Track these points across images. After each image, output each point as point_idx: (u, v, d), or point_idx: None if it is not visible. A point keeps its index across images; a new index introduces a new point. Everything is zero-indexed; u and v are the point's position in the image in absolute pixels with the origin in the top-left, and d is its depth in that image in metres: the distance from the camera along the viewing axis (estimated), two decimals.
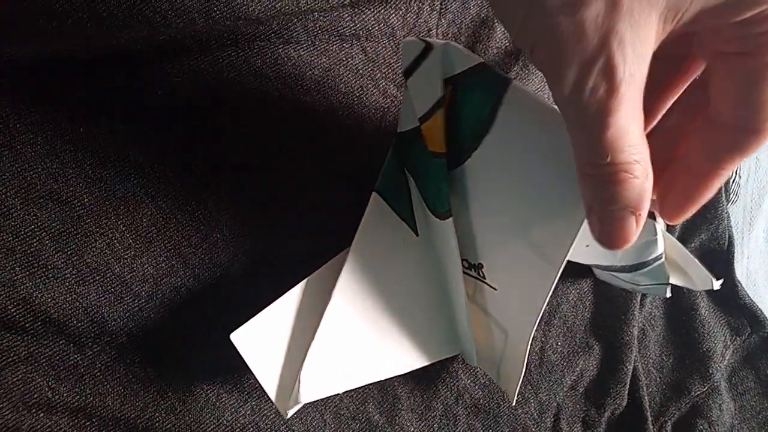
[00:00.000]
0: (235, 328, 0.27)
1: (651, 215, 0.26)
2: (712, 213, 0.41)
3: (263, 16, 0.32)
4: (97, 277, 0.28)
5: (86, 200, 0.28)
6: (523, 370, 0.30)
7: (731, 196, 0.43)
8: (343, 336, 0.30)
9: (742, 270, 0.46)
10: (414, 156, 0.31)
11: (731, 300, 0.44)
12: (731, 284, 0.43)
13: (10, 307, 0.26)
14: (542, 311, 0.27)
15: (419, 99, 0.28)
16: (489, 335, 0.31)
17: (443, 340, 0.33)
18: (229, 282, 0.30)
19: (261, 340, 0.28)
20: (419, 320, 0.32)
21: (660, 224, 0.31)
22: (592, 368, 0.39)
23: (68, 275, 0.27)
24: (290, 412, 0.28)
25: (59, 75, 0.28)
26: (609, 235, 0.21)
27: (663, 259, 0.31)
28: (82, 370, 0.27)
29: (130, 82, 0.29)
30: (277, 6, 0.32)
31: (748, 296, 0.44)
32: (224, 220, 0.30)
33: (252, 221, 0.31)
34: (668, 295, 0.36)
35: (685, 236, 0.42)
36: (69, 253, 0.27)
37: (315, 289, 0.30)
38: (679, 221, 0.24)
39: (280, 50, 0.32)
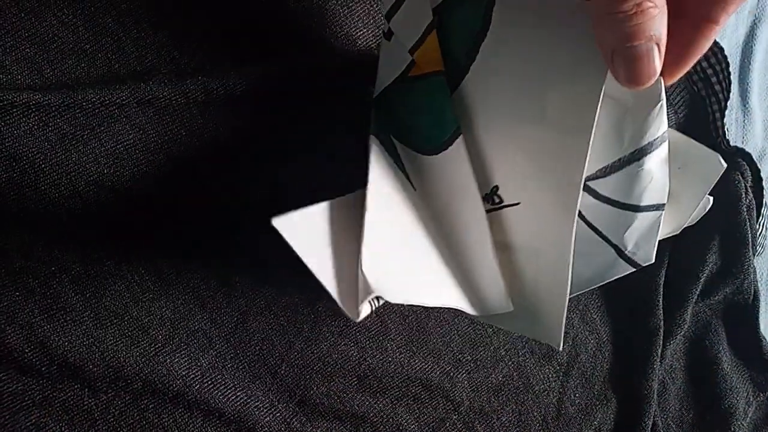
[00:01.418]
0: (253, 379, 0.27)
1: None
2: (738, 267, 0.40)
3: (290, 60, 0.32)
4: (115, 320, 0.27)
5: (107, 243, 0.28)
6: (567, 290, 0.26)
7: (758, 248, 0.42)
8: (390, 243, 0.27)
9: (766, 324, 0.45)
10: (403, 105, 0.29)
11: (755, 355, 0.43)
12: (756, 339, 0.42)
13: (27, 351, 0.26)
14: (581, 190, 0.25)
15: (407, 33, 0.28)
16: (520, 274, 0.28)
17: (464, 290, 0.29)
18: (245, 326, 0.30)
19: (307, 231, 0.25)
20: (441, 260, 0.29)
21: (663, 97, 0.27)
22: (609, 422, 0.38)
23: (86, 318, 0.27)
24: (362, 312, 0.24)
25: (86, 116, 0.28)
26: (637, 72, 0.22)
27: (667, 140, 0.28)
28: (96, 415, 0.27)
29: (155, 122, 0.29)
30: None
31: None
32: (242, 264, 0.30)
33: (269, 266, 0.30)
34: (652, 258, 0.29)
35: (709, 289, 0.41)
36: (88, 295, 0.27)
37: (345, 207, 0.27)
38: (674, 78, 0.24)
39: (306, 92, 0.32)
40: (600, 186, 0.28)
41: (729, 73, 0.41)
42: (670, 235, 0.33)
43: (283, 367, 0.30)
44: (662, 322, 0.39)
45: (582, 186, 0.25)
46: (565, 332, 0.38)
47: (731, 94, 0.41)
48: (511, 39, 0.25)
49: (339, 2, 0.32)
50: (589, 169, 0.27)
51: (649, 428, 0.38)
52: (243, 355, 0.30)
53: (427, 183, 0.29)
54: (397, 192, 0.28)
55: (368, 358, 0.32)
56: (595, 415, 0.37)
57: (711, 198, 0.32)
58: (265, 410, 0.30)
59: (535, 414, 0.36)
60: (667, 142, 0.26)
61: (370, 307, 0.25)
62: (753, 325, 0.42)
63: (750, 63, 0.48)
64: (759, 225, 0.42)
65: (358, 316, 0.24)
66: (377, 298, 0.25)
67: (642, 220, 0.27)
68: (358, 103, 0.32)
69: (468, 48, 0.26)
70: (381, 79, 0.30)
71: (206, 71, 0.30)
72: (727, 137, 0.41)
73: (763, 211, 0.42)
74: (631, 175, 0.27)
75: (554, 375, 0.37)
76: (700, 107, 0.41)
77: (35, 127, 0.27)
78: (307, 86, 0.32)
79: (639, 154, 0.26)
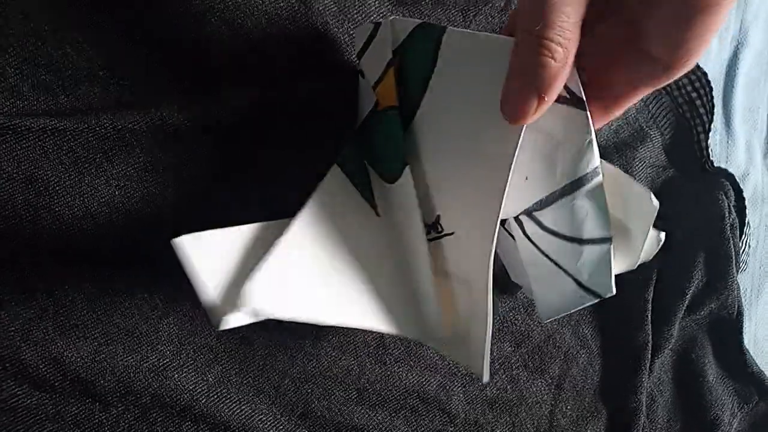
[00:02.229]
0: (257, 393, 0.28)
1: (582, 107, 0.25)
2: (722, 283, 0.42)
3: (294, 84, 0.33)
4: (125, 337, 0.29)
5: (118, 262, 0.29)
6: (489, 321, 0.26)
7: (741, 265, 0.44)
8: (296, 265, 0.27)
9: (749, 337, 0.46)
10: (372, 135, 0.31)
11: (739, 368, 0.44)
12: (740, 352, 0.44)
13: (41, 366, 0.27)
14: (498, 217, 0.25)
15: (371, 70, 0.30)
16: (454, 302, 0.28)
17: (402, 314, 0.29)
18: (249, 343, 0.31)
19: (207, 253, 0.25)
20: (376, 285, 0.29)
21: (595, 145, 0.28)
22: None
23: (97, 335, 0.28)
24: (226, 321, 0.24)
25: (99, 140, 0.29)
26: (511, 105, 0.23)
27: (601, 177, 0.28)
28: (107, 428, 0.28)
29: (165, 147, 0.30)
30: (307, 73, 0.34)
31: (756, 364, 0.44)
32: None
33: None
34: (612, 290, 0.29)
35: (695, 305, 0.43)
36: (99, 313, 0.28)
37: (263, 233, 0.27)
38: (604, 121, 0.26)
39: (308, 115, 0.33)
40: (543, 217, 0.29)
41: (713, 97, 0.42)
42: (628, 270, 0.34)
43: (286, 382, 0.31)
44: (650, 337, 0.40)
45: (498, 220, 0.25)
46: (557, 347, 0.39)
47: (715, 117, 0.43)
48: (453, 77, 0.27)
49: (341, 30, 0.34)
50: (528, 200, 0.29)
51: None
52: (247, 370, 0.31)
53: (389, 210, 0.30)
54: (335, 219, 0.29)
55: (367, 372, 0.33)
56: (586, 427, 0.39)
57: (663, 234, 0.34)
58: (269, 423, 0.31)
59: (528, 426, 0.37)
60: (600, 177, 0.27)
61: (238, 321, 0.24)
62: (737, 339, 0.44)
63: (733, 86, 0.50)
64: (742, 243, 0.44)
65: (218, 325, 0.24)
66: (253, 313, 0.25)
67: (589, 252, 0.28)
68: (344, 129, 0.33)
69: (420, 84, 0.28)
70: (360, 112, 0.33)
71: (212, 98, 0.31)
72: (711, 158, 0.43)
73: (746, 230, 0.44)
74: (567, 208, 0.28)
75: (546, 388, 0.38)
76: (685, 129, 0.43)
77: (50, 150, 0.28)
78: (306, 112, 0.33)
79: (571, 188, 0.27)
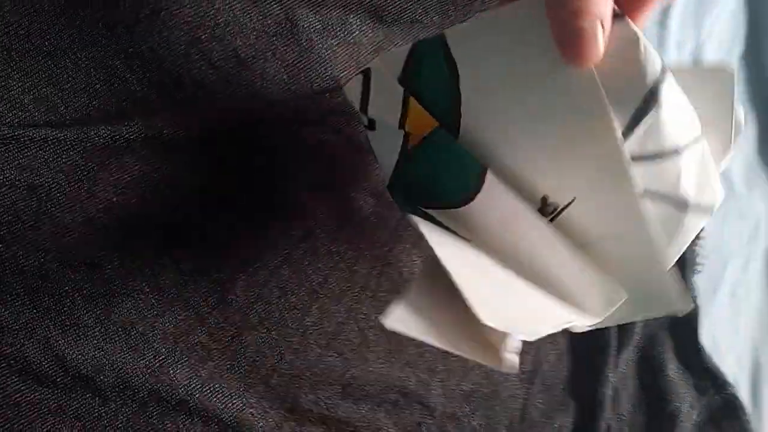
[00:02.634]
0: (248, 388, 0.30)
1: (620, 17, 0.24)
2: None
3: (280, 99, 0.36)
4: (123, 335, 0.30)
5: (116, 264, 0.31)
6: (662, 249, 0.24)
7: (696, 267, 0.47)
8: (485, 290, 0.25)
9: (708, 335, 0.49)
10: (417, 181, 0.29)
11: (697, 363, 0.47)
12: (697, 348, 0.47)
13: (44, 363, 0.28)
14: (622, 149, 0.23)
15: (388, 113, 0.28)
16: (612, 269, 0.26)
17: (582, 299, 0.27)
18: (240, 340, 0.33)
19: (415, 316, 0.24)
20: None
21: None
22: (568, 425, 0.42)
23: (97, 333, 0.30)
24: (510, 361, 0.25)
25: (97, 149, 0.31)
26: (579, 46, 0.22)
27: (669, 77, 0.25)
28: (106, 422, 0.29)
29: (158, 156, 0.32)
30: (292, 88, 0.36)
31: (712, 360, 0.47)
32: (239, 284, 0.33)
33: (264, 284, 0.34)
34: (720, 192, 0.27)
35: None
36: (98, 312, 0.30)
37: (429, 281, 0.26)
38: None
39: (294, 128, 0.36)
40: (630, 147, 0.26)
41: None
42: (725, 162, 0.30)
43: (275, 377, 0.33)
44: (615, 335, 0.43)
45: (624, 150, 0.24)
46: (529, 344, 0.42)
47: None
48: (484, 68, 0.26)
49: (324, 46, 0.36)
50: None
51: (603, 430, 0.41)
52: (238, 366, 0.33)
53: (476, 231, 0.28)
54: (460, 247, 0.27)
55: (351, 368, 0.35)
56: (555, 419, 0.41)
57: (740, 108, 0.30)
58: (258, 416, 0.32)
59: (502, 418, 0.40)
60: (670, 79, 0.25)
61: (514, 355, 0.25)
62: (694, 337, 0.47)
63: None
64: (697, 247, 0.47)
65: (504, 365, 0.24)
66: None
67: (688, 158, 0.26)
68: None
69: (448, 96, 0.27)
70: (385, 168, 0.30)
71: (205, 110, 0.33)
72: None
73: (701, 233, 0.47)
74: (652, 125, 0.25)
75: (519, 383, 0.41)
76: None
77: (51, 159, 0.30)
78: (291, 126, 0.35)
79: (648, 103, 0.25)
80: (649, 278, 0.25)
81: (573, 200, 0.26)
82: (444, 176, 0.28)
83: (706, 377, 0.47)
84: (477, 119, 0.27)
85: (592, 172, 0.25)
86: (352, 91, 0.30)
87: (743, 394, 0.52)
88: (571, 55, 0.23)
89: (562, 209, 0.26)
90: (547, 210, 0.26)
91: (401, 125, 0.28)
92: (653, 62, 0.24)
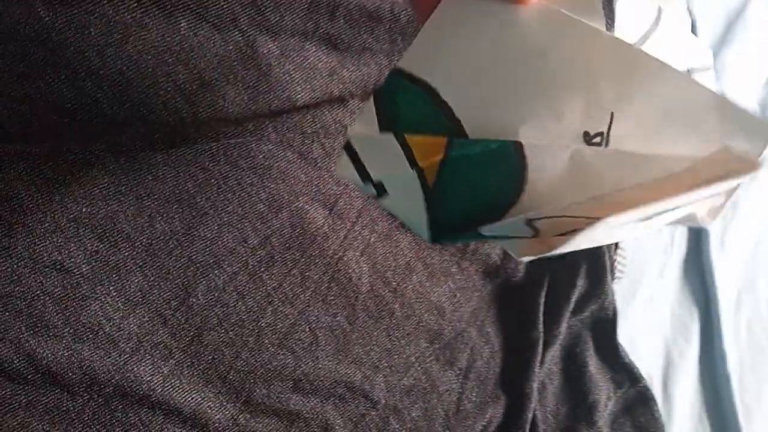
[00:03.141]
0: (206, 383, 0.33)
1: None
2: (600, 289, 0.50)
3: (240, 117, 0.39)
4: (91, 335, 0.33)
5: (84, 269, 0.33)
6: None
7: (616, 274, 0.53)
8: None
9: (627, 334, 0.55)
10: (452, 210, 0.27)
11: (614, 359, 0.53)
12: (614, 346, 0.52)
13: (16, 361, 0.31)
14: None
15: (392, 163, 0.27)
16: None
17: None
18: (200, 340, 0.36)
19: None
20: None
21: None
22: (499, 415, 0.46)
23: (66, 334, 0.32)
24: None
25: (68, 163, 0.33)
26: None
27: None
28: (73, 415, 0.32)
29: (127, 170, 0.35)
30: (252, 108, 0.39)
31: (628, 356, 0.53)
32: (200, 288, 0.36)
33: (223, 289, 0.37)
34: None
35: (579, 307, 0.51)
36: (68, 314, 0.32)
37: None
38: None
39: (252, 145, 0.39)
40: None
41: None
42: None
43: (231, 374, 0.36)
44: (542, 334, 0.48)
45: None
46: (465, 343, 0.46)
47: None
48: (457, 68, 0.26)
49: (282, 71, 0.39)
50: None
51: (530, 420, 0.46)
52: (198, 363, 0.36)
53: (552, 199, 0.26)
54: None
55: (302, 365, 0.39)
56: (487, 410, 0.46)
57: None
58: (216, 409, 0.35)
59: (439, 410, 0.44)
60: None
61: None
62: (613, 336, 0.52)
63: None
64: (616, 255, 0.53)
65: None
66: None
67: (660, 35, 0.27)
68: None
69: (439, 114, 0.26)
70: (420, 230, 0.29)
71: (171, 127, 0.36)
72: None
73: (621, 245, 0.52)
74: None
75: (455, 378, 0.45)
76: None
77: (24, 173, 0.32)
78: (250, 143, 0.38)
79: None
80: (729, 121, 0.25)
81: (612, 116, 0.25)
82: (484, 179, 0.27)
83: (623, 372, 0.53)
84: (477, 113, 0.26)
85: (610, 76, 0.25)
86: (346, 170, 0.28)
87: (656, 386, 0.58)
88: None
89: (609, 132, 0.25)
90: (596, 142, 0.26)
91: (413, 165, 0.27)
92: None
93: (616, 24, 0.26)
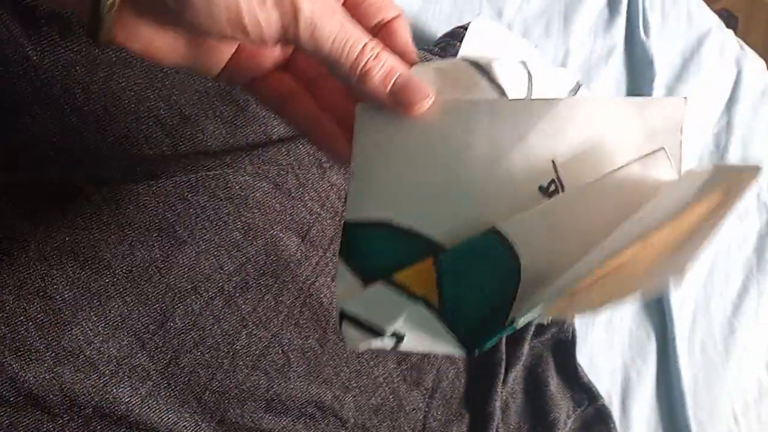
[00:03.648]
0: (182, 404, 0.35)
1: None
2: None
3: (218, 150, 0.41)
4: (71, 359, 0.34)
5: (66, 296, 0.35)
6: None
7: None
8: None
9: (586, 355, 0.58)
10: (469, 318, 0.27)
11: (574, 379, 0.55)
12: (574, 366, 0.55)
13: None
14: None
15: (392, 308, 0.26)
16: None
17: None
18: (177, 362, 0.38)
19: None
20: None
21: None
22: None
23: (48, 357, 0.34)
24: None
25: (51, 195, 0.35)
26: (413, 95, 0.26)
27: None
28: None
29: (109, 200, 0.37)
30: (230, 142, 0.41)
31: (587, 376, 0.56)
32: (178, 313, 0.38)
33: (200, 313, 0.38)
34: None
35: (541, 329, 0.54)
36: (49, 339, 0.34)
37: None
38: None
39: (230, 176, 0.41)
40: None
41: None
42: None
43: (207, 394, 0.38)
44: (504, 355, 0.51)
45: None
46: (431, 364, 0.49)
47: None
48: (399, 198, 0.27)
49: (259, 106, 0.42)
50: None
51: None
52: (174, 385, 0.37)
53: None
54: None
55: (275, 386, 0.40)
56: (452, 428, 0.48)
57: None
58: (191, 429, 0.37)
59: (406, 428, 0.46)
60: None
61: None
62: (572, 356, 0.55)
63: None
64: None
65: None
66: None
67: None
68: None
69: (408, 240, 0.27)
70: (454, 350, 0.28)
71: (151, 161, 0.38)
72: None
73: None
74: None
75: (421, 397, 0.47)
76: None
77: (10, 203, 0.34)
78: (227, 174, 0.41)
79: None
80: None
81: (553, 163, 0.27)
82: (482, 273, 0.26)
83: (582, 391, 0.56)
84: (440, 223, 0.27)
85: (532, 131, 0.27)
86: (355, 339, 0.27)
87: (615, 404, 0.61)
88: (406, 105, 0.26)
89: (559, 177, 0.27)
90: (553, 190, 0.27)
91: (414, 298, 0.26)
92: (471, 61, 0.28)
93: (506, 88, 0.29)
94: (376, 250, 0.27)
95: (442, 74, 0.28)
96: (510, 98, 0.28)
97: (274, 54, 0.29)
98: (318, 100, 0.30)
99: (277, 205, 0.43)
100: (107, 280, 0.36)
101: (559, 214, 0.26)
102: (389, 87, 0.25)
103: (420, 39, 0.52)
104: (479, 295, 0.26)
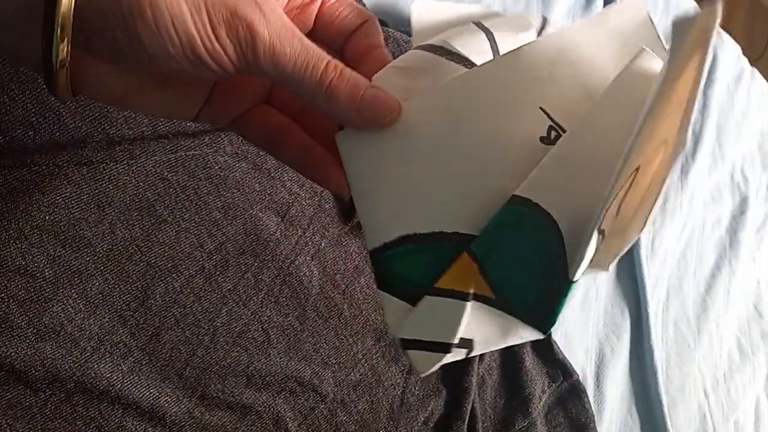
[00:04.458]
0: (163, 379, 0.36)
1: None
2: None
3: (198, 131, 0.41)
4: (53, 335, 0.35)
5: (47, 273, 0.35)
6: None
7: None
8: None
9: (562, 332, 0.59)
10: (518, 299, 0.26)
11: (549, 355, 0.57)
12: (549, 342, 0.57)
13: None
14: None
15: (446, 319, 0.25)
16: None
17: None
18: (158, 339, 0.38)
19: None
20: None
21: None
22: (440, 408, 0.50)
23: (30, 334, 0.34)
24: None
25: (32, 174, 0.36)
26: (383, 108, 0.25)
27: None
28: (35, 410, 0.34)
29: (89, 180, 0.37)
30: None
31: (562, 352, 0.57)
32: (158, 290, 0.38)
33: (180, 291, 0.39)
34: None
35: None
36: (31, 316, 0.35)
37: None
38: None
39: (209, 157, 0.41)
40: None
41: None
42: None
43: (188, 370, 0.39)
44: None
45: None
46: None
47: None
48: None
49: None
50: None
51: (469, 411, 0.50)
52: (156, 361, 0.38)
53: None
54: None
55: (255, 362, 0.41)
56: (429, 403, 0.49)
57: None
58: (172, 403, 0.38)
59: (384, 403, 0.47)
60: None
61: None
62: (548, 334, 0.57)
63: None
64: None
65: None
66: None
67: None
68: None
69: (438, 249, 0.26)
70: (524, 336, 0.27)
71: (130, 140, 0.38)
72: None
73: None
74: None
75: (400, 373, 0.49)
76: None
77: None
78: (206, 154, 0.41)
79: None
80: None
81: (543, 109, 0.26)
82: (523, 244, 0.25)
83: (557, 367, 0.57)
84: (459, 215, 0.26)
85: (512, 90, 0.26)
86: (424, 363, 0.26)
87: (590, 380, 0.63)
88: (375, 119, 0.26)
89: (556, 122, 0.26)
90: (555, 135, 0.26)
91: (465, 297, 0.25)
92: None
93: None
94: (409, 267, 0.26)
95: (404, 72, 0.28)
96: (478, 65, 0.28)
97: (253, 89, 0.29)
98: (308, 129, 0.29)
99: (257, 185, 0.43)
100: (88, 259, 0.37)
101: (571, 154, 0.25)
102: (357, 105, 0.25)
103: (400, 21, 0.52)
104: (528, 268, 0.25)
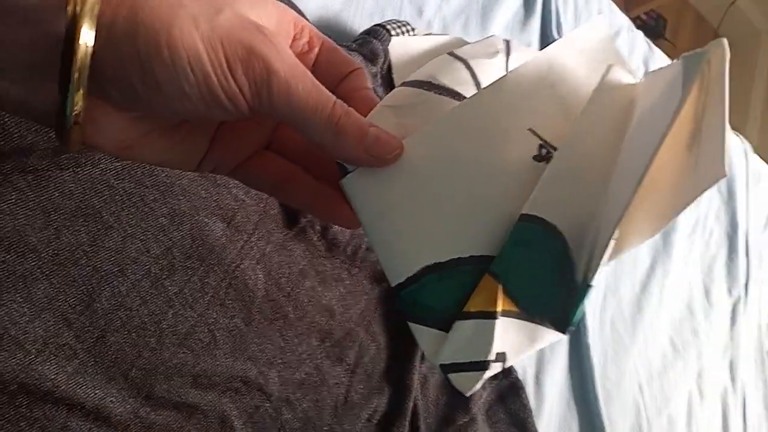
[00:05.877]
0: (109, 380, 0.37)
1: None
2: None
3: None
4: None
5: None
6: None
7: None
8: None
9: None
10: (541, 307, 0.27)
11: None
12: None
13: None
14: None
15: (477, 339, 0.27)
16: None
17: None
18: (104, 341, 0.39)
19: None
20: None
21: None
22: (383, 405, 0.52)
23: None
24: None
25: None
26: (386, 147, 0.26)
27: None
28: None
29: (34, 186, 0.38)
30: None
31: None
32: (104, 294, 0.40)
33: (127, 294, 0.40)
34: None
35: None
36: None
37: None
38: None
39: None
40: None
41: None
42: None
43: (134, 371, 0.40)
44: None
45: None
46: (353, 341, 0.52)
47: None
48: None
49: None
50: None
51: (410, 409, 0.52)
52: (101, 362, 0.39)
53: None
54: None
55: (201, 363, 0.43)
56: (373, 401, 0.51)
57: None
58: (118, 404, 0.39)
59: (329, 401, 0.49)
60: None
61: None
62: None
63: None
64: None
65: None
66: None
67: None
68: None
69: (465, 267, 0.27)
70: (553, 340, 0.29)
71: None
72: None
73: None
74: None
75: (344, 372, 0.51)
76: None
77: None
78: None
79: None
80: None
81: (532, 130, 0.28)
82: (537, 257, 0.27)
83: None
84: (473, 239, 0.27)
85: (503, 114, 0.28)
86: (469, 383, 0.28)
87: (530, 377, 0.66)
88: (383, 160, 0.27)
89: (545, 140, 0.28)
90: (545, 152, 0.28)
91: (493, 316, 0.27)
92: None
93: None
94: (434, 296, 0.27)
95: (395, 110, 0.29)
96: (465, 97, 0.30)
97: (254, 135, 0.30)
98: (312, 170, 0.30)
99: (203, 191, 0.45)
100: (33, 263, 0.38)
101: (565, 168, 0.27)
102: (365, 143, 0.26)
103: (341, 36, 0.54)
104: (542, 277, 0.27)
